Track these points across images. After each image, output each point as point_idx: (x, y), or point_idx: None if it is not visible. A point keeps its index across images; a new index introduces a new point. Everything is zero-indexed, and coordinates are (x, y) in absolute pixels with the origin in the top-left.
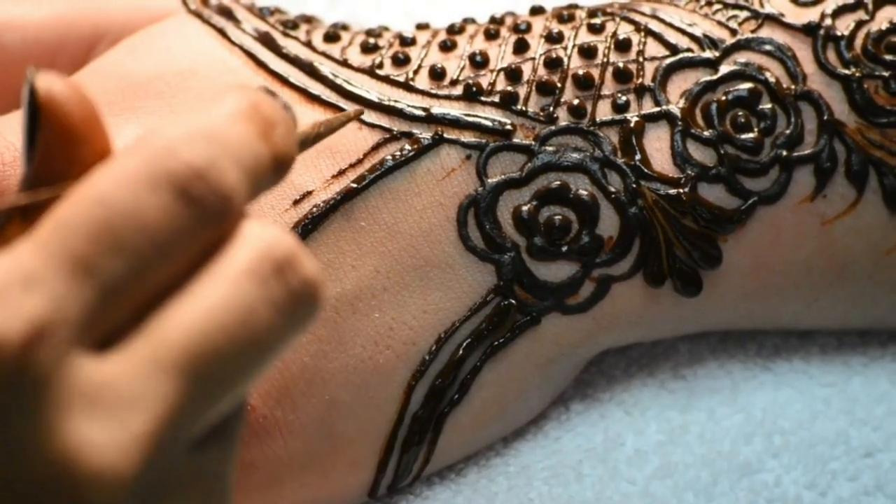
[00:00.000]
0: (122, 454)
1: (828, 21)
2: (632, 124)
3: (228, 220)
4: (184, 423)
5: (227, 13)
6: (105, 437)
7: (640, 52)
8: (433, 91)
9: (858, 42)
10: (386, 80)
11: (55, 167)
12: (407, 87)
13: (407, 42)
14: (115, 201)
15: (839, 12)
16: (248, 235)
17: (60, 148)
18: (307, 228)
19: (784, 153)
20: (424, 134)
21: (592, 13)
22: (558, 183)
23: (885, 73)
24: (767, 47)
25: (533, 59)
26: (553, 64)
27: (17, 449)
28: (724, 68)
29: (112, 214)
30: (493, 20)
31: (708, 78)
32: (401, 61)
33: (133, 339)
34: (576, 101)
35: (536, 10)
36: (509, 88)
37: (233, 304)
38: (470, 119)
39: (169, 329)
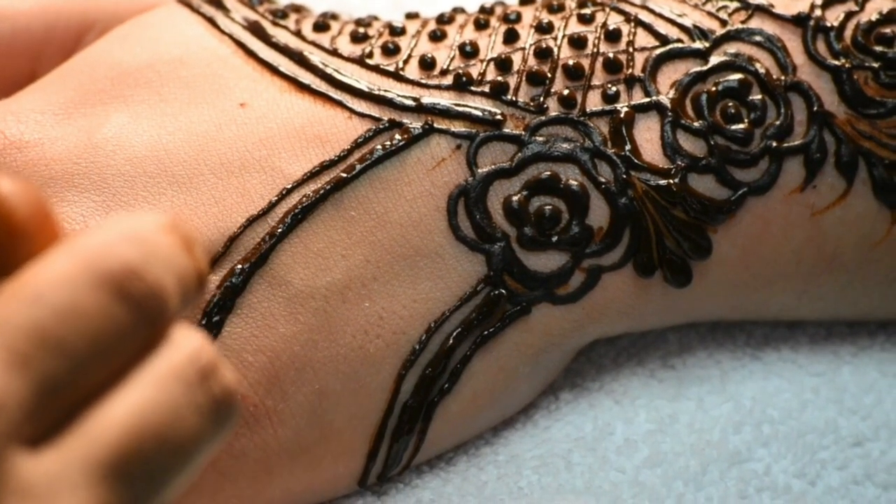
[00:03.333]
0: None
1: (818, 12)
2: (622, 115)
3: (161, 322)
4: None
5: (216, 2)
6: None
7: (630, 43)
8: (423, 81)
9: (848, 33)
10: (376, 69)
11: (2, 262)
12: (397, 76)
13: (396, 32)
14: (53, 300)
15: (829, 3)
16: (176, 340)
17: (5, 242)
18: (297, 217)
19: (774, 144)
20: (414, 123)
21: (582, 3)
22: (548, 173)
23: (875, 64)
24: (757, 38)
25: (523, 49)
26: (543, 54)
27: None
28: (715, 59)
29: (49, 314)
30: (482, 10)
31: (698, 69)
32: (390, 51)
33: (65, 437)
34: (566, 92)
35: (526, 0)
36: (499, 78)
37: (161, 406)
38: (460, 109)
39: (99, 428)
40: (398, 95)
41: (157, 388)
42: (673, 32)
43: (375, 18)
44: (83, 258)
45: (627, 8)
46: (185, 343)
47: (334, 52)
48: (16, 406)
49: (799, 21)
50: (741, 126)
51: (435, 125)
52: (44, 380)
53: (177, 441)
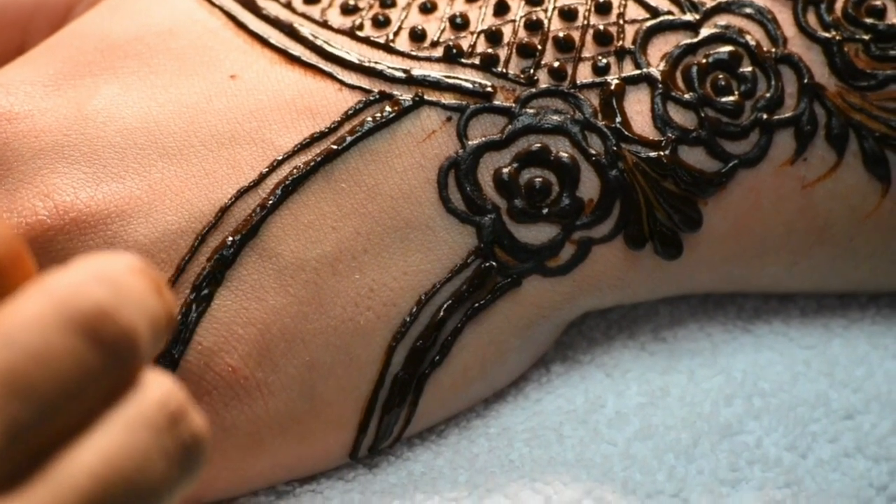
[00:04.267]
0: None
1: None
2: (612, 87)
3: (132, 364)
4: None
5: None
6: None
7: (621, 15)
8: (413, 53)
9: (839, 5)
10: (366, 41)
11: None
12: (387, 48)
13: (387, 4)
14: (23, 343)
15: None
16: (146, 384)
17: None
18: (287, 189)
19: (764, 116)
20: (405, 95)
21: None
22: (539, 145)
23: (866, 37)
24: (748, 10)
25: (513, 21)
26: (533, 26)
27: None
28: (705, 31)
29: (20, 357)
30: None
31: (688, 41)
32: (381, 23)
33: (33, 482)
34: (556, 64)
35: None
36: (490, 50)
37: (129, 452)
38: (450, 81)
39: (69, 473)
40: (388, 67)
41: (127, 434)
42: (663, 4)
43: None
44: (54, 299)
45: None
46: (155, 387)
47: (324, 24)
48: None
49: None
50: (731, 98)
51: (425, 97)
52: (12, 424)
53: (145, 487)
